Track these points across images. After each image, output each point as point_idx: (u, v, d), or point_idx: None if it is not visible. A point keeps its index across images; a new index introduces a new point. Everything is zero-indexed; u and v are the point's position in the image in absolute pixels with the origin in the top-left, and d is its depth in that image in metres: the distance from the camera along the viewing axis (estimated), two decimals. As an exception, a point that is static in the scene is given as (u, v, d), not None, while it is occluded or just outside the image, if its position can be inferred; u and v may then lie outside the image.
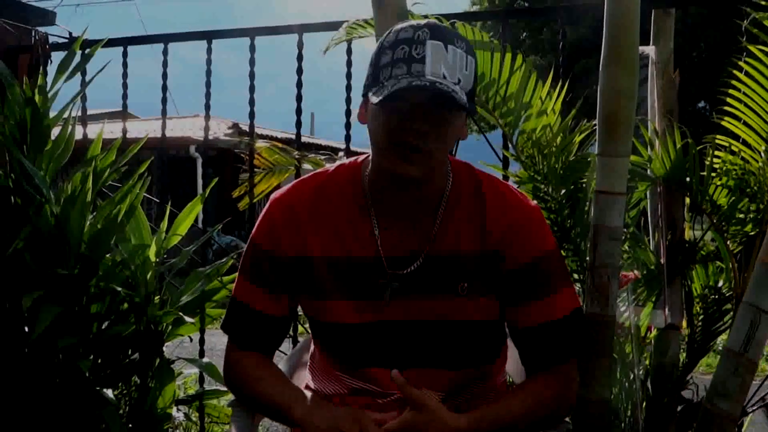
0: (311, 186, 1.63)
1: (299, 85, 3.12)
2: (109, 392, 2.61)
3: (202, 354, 3.18)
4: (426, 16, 2.53)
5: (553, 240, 1.62)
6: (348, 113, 3.10)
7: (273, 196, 1.64)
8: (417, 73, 1.41)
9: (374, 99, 1.43)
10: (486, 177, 1.64)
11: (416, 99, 1.42)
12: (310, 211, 1.59)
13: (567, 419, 1.67)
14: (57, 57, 3.48)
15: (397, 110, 1.44)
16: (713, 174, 2.43)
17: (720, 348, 2.43)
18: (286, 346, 3.03)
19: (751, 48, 2.33)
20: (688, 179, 2.44)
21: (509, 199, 1.59)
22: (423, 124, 1.43)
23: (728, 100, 2.44)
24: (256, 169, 3.29)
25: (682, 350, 2.54)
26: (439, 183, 1.57)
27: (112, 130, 7.35)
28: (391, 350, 1.58)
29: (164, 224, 2.82)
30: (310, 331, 1.77)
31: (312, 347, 1.80)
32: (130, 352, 2.76)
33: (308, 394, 1.60)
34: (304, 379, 1.82)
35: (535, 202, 1.68)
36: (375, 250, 1.56)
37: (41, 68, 3.38)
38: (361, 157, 1.65)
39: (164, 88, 3.40)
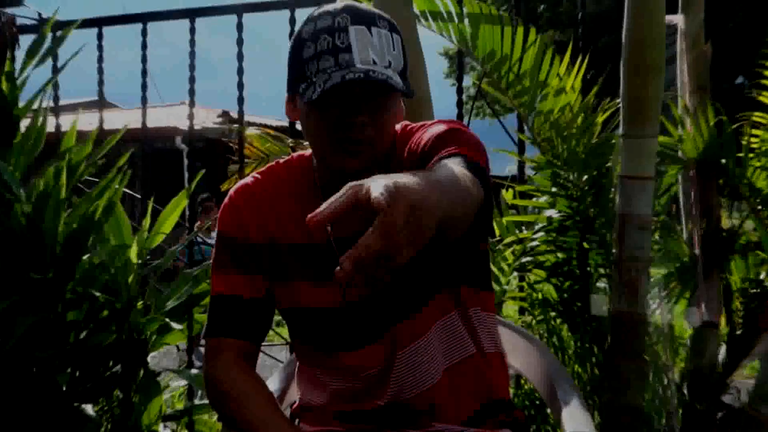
0: (269, 174, 1.74)
1: (292, 66, 3.11)
2: (89, 408, 2.61)
3: (190, 364, 3.20)
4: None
5: (452, 124, 1.60)
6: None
7: (232, 188, 1.75)
8: (346, 64, 1.46)
9: (307, 97, 1.49)
10: (413, 127, 1.67)
11: (349, 92, 1.48)
12: (271, 197, 1.70)
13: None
14: (26, 41, 3.47)
15: (333, 105, 1.50)
16: (751, 155, 2.42)
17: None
18: (284, 354, 3.04)
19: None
20: (723, 161, 2.43)
21: (417, 130, 1.63)
22: (361, 116, 1.50)
23: (766, 73, 2.43)
24: (246, 159, 3.29)
25: (720, 350, 2.54)
26: (382, 162, 1.62)
27: (90, 121, 7.34)
28: (358, 330, 1.65)
29: (147, 222, 2.81)
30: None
31: None
32: (111, 364, 2.76)
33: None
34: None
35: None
36: (326, 235, 1.64)
37: (8, 53, 3.38)
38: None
39: (144, 73, 3.41)
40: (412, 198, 1.07)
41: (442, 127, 1.56)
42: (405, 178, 1.12)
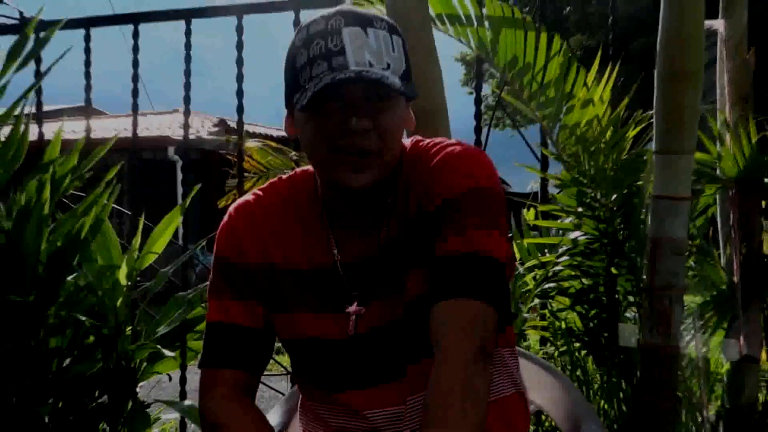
0: (270, 193, 1.75)
1: (296, 72, 3.13)
2: (73, 443, 2.63)
3: (183, 395, 3.21)
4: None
5: (474, 181, 1.58)
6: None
7: (231, 207, 1.77)
8: (339, 67, 1.48)
9: (299, 105, 1.52)
10: (425, 144, 1.68)
11: (346, 96, 1.51)
12: (272, 218, 1.72)
13: None
14: (6, 42, 3.53)
15: (330, 111, 1.53)
16: (796, 174, 2.43)
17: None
18: (284, 385, 3.06)
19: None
20: (766, 180, 2.45)
21: (432, 153, 1.63)
22: (362, 121, 1.52)
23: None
24: (246, 174, 3.31)
25: (761, 388, 2.56)
26: (389, 178, 1.64)
27: (75, 129, 7.38)
28: (366, 367, 1.66)
29: (137, 241, 2.83)
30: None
31: None
32: (96, 395, 2.77)
33: None
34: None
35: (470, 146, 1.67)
36: (332, 260, 1.67)
37: (-13, 56, 3.41)
38: None
39: (135, 78, 3.44)
40: None
41: (460, 180, 1.55)
42: None
